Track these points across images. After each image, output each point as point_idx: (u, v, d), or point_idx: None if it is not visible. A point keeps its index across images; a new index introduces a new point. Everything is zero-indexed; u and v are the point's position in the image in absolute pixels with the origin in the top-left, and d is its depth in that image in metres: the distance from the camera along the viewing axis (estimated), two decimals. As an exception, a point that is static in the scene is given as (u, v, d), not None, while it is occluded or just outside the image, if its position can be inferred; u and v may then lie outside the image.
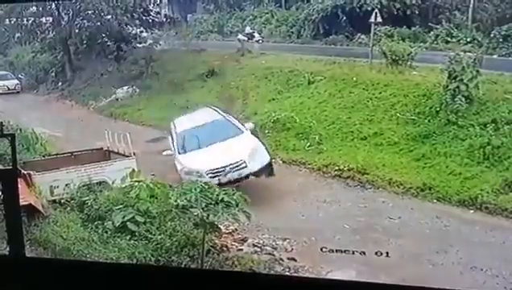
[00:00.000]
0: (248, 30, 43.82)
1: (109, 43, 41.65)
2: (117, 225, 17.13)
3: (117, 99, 36.57)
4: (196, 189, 16.06)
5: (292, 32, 45.46)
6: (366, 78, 29.27)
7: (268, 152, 23.76)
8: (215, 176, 22.34)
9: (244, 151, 23.73)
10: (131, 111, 34.45)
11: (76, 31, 40.68)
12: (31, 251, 15.41)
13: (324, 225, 18.42)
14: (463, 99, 24.29)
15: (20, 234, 7.93)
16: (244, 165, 22.93)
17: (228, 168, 22.73)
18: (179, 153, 24.47)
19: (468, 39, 36.01)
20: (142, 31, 43.74)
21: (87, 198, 18.86)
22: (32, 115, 31.70)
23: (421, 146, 23.51)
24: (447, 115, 24.28)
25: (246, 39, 41.57)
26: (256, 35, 42.72)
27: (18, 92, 42.13)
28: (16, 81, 43.25)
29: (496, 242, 16.87)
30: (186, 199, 16.03)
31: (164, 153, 25.96)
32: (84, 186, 20.04)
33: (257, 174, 23.06)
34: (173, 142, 25.48)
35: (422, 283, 11.44)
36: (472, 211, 19.27)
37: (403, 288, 6.38)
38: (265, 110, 28.92)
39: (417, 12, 38.88)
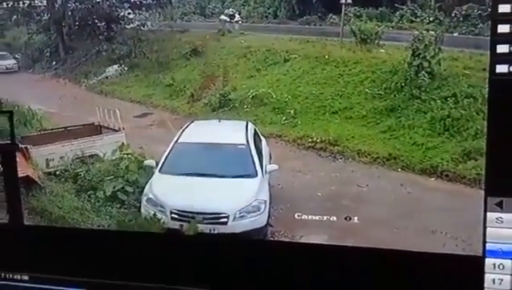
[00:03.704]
0: (230, 11, 43.75)
1: (99, 25, 41.53)
2: (108, 194, 17.16)
3: (106, 77, 36.35)
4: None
5: (269, 13, 45.22)
6: (337, 56, 29.23)
7: (268, 214, 16.01)
8: (179, 220, 14.46)
9: (236, 201, 15.27)
10: (120, 88, 34.26)
11: (69, 13, 40.49)
12: (29, 220, 15.45)
13: (299, 193, 18.48)
14: (426, 75, 24.30)
15: (19, 204, 8.01)
16: (224, 220, 14.48)
17: (199, 217, 13.99)
18: (160, 170, 16.76)
19: (431, 19, 36.14)
20: (129, 13, 43.62)
21: (80, 170, 18.88)
22: (29, 93, 31.54)
23: (387, 119, 23.56)
24: (411, 90, 24.31)
25: (228, 19, 41.50)
26: (237, 15, 42.65)
27: (15, 71, 42.03)
28: (14, 61, 42.94)
29: (455, 208, 17.00)
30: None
31: (146, 162, 17.92)
32: (77, 159, 20.03)
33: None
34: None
35: (388, 246, 11.59)
36: (433, 179, 19.38)
37: (370, 250, 6.51)
38: (244, 87, 28.96)
39: (384, -7, 39.03)
